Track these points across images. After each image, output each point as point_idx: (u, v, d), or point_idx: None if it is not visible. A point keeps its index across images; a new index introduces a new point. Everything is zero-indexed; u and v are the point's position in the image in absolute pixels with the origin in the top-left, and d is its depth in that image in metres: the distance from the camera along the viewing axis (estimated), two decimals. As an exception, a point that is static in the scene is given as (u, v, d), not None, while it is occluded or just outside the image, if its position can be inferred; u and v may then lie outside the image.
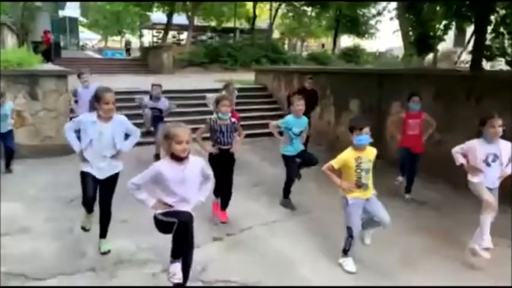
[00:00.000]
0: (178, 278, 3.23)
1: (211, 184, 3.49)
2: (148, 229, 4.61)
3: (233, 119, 5.23)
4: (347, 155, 4.03)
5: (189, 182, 3.22)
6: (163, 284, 3.80)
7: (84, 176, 4.13)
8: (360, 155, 4.00)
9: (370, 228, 4.27)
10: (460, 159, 4.33)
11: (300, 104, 5.53)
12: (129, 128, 4.31)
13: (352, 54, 28.22)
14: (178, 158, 3.17)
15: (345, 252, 4.14)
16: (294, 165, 5.68)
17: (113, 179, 4.23)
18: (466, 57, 13.02)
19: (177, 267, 3.24)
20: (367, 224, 4.23)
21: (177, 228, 3.17)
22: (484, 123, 4.14)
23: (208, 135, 5.25)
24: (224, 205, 5.25)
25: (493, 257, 4.18)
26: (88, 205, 4.23)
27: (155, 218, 3.32)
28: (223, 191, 5.23)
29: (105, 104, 3.98)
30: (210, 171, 3.44)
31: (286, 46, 36.09)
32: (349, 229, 4.07)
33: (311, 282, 3.92)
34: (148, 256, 4.27)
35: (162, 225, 3.31)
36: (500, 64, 9.84)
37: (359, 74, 9.88)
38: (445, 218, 5.43)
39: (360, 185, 4.02)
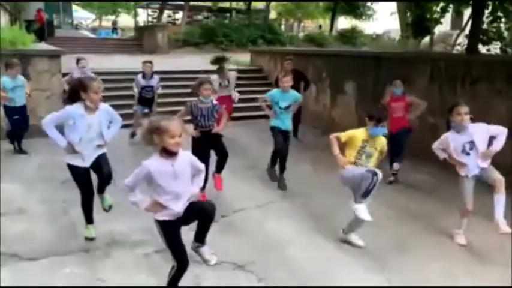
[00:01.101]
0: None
1: (203, 176, 3.41)
2: (140, 211, 4.66)
3: (215, 102, 5.19)
4: (357, 133, 4.10)
5: (180, 176, 3.08)
6: (156, 263, 3.85)
7: (75, 171, 4.08)
8: (368, 139, 4.06)
9: (356, 228, 4.26)
10: (442, 155, 4.35)
11: (284, 81, 5.61)
12: (114, 116, 4.26)
13: (349, 35, 27.97)
14: (169, 153, 3.01)
15: (351, 228, 4.24)
16: (281, 138, 5.74)
17: (102, 156, 4.20)
18: (462, 40, 12.98)
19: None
20: (350, 226, 4.25)
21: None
22: (450, 112, 4.14)
23: (189, 118, 5.19)
24: (220, 167, 5.30)
25: (485, 238, 4.25)
26: (89, 203, 4.18)
27: (159, 222, 3.13)
28: (219, 155, 5.28)
29: (94, 94, 3.90)
30: (200, 164, 3.30)
31: (283, 27, 35.71)
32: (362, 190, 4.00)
33: (302, 262, 3.97)
34: (141, 237, 4.29)
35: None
36: (496, 48, 9.81)
37: (355, 57, 9.82)
38: (437, 201, 5.48)
39: (355, 164, 4.05)
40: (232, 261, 3.91)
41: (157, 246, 4.11)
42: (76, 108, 3.94)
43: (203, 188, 5.13)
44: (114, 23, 37.30)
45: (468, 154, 4.17)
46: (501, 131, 4.17)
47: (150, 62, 7.98)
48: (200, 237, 3.40)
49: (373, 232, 4.38)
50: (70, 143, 3.98)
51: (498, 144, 4.14)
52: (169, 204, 3.06)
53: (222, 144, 5.31)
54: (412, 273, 3.84)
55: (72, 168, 4.08)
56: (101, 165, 4.17)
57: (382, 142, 4.16)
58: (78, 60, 7.54)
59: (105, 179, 4.26)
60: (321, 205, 5.26)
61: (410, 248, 4.30)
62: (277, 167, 5.93)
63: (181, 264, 3.14)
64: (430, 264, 3.99)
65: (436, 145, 4.40)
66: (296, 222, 4.84)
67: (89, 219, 4.28)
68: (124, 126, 9.58)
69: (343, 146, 4.17)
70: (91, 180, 4.19)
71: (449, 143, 4.24)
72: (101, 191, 4.38)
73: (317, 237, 4.49)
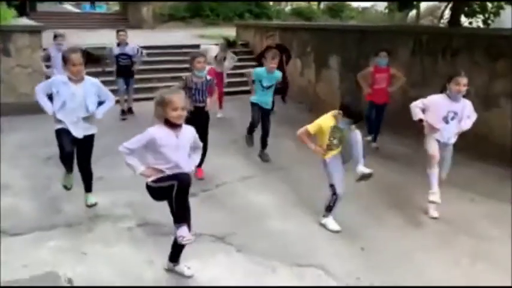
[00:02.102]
0: (188, 239, 3.15)
1: (200, 153, 3.48)
2: (124, 186, 4.76)
3: (209, 77, 5.23)
4: (324, 123, 4.03)
5: (183, 149, 3.17)
6: (138, 237, 3.94)
7: (60, 132, 4.15)
8: (336, 125, 4.01)
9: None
10: (419, 114, 4.35)
11: (272, 63, 5.66)
12: (103, 92, 4.31)
13: (337, 9, 27.71)
14: (172, 125, 3.08)
15: (329, 209, 4.19)
16: (257, 113, 5.90)
17: (89, 140, 4.28)
18: (449, 13, 12.97)
19: (185, 230, 3.12)
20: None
21: (178, 191, 3.06)
22: (450, 80, 4.21)
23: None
24: (200, 161, 5.33)
25: (458, 209, 4.41)
26: (67, 160, 4.24)
27: (149, 186, 3.18)
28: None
29: (73, 66, 3.98)
30: (200, 142, 3.38)
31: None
32: (332, 186, 4.12)
33: (282, 233, 4.09)
34: (123, 211, 4.38)
35: (158, 192, 3.18)
36: (478, 21, 9.84)
37: (339, 31, 9.78)
38: (416, 173, 5.58)
39: (330, 147, 4.08)
40: (212, 233, 4.01)
41: (139, 220, 4.22)
42: (61, 77, 4.09)
43: (200, 164, 5.20)
44: None
45: (447, 123, 4.28)
46: (474, 115, 4.37)
47: (124, 31, 8.01)
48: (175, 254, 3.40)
49: (350, 204, 4.49)
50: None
51: (468, 124, 4.33)
52: (169, 172, 3.11)
53: (206, 132, 5.26)
54: (387, 242, 3.98)
55: (58, 133, 4.15)
56: (84, 153, 4.29)
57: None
58: (55, 36, 7.40)
59: (84, 172, 4.38)
60: (303, 179, 5.36)
61: (385, 218, 4.43)
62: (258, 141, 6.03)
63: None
64: (404, 234, 4.14)
65: (417, 103, 4.39)
66: (277, 195, 4.95)
67: (69, 169, 4.31)
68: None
69: (314, 137, 4.16)
70: (72, 147, 4.17)
71: (436, 105, 4.29)
72: (88, 189, 4.48)
73: (298, 209, 4.61)
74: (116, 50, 7.85)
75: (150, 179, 3.16)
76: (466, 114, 4.31)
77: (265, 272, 3.51)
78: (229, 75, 8.55)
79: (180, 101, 3.03)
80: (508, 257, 3.69)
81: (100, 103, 4.31)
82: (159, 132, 3.08)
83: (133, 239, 3.92)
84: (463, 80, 4.15)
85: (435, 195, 4.31)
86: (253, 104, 5.93)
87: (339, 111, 3.96)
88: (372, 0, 17.73)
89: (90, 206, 4.46)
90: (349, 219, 4.32)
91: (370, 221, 4.36)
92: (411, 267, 3.61)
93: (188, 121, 5.00)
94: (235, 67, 9.57)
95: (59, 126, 4.15)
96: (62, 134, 4.14)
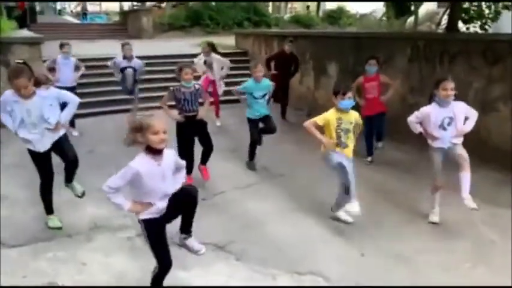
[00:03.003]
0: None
1: (184, 172, 3.41)
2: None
3: (197, 86, 5.25)
4: (329, 115, 4.23)
5: (167, 176, 3.05)
6: (138, 247, 3.94)
7: (32, 154, 4.13)
8: (341, 116, 4.20)
9: (344, 204, 4.37)
10: (418, 128, 4.40)
11: (257, 71, 5.70)
12: (63, 97, 4.20)
13: (336, 16, 27.87)
14: (154, 151, 2.91)
15: (338, 205, 4.40)
16: (255, 130, 5.90)
17: (61, 140, 4.22)
18: (446, 19, 13.04)
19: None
20: (338, 204, 4.42)
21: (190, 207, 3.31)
22: (437, 86, 4.21)
23: (174, 103, 5.26)
24: (205, 159, 5.38)
25: (458, 214, 4.40)
26: (48, 189, 4.23)
27: (144, 221, 3.05)
28: (204, 147, 5.35)
29: (18, 91, 3.81)
30: (182, 161, 3.30)
31: (270, 8, 35.40)
32: (344, 186, 4.23)
33: (282, 240, 4.09)
34: (123, 222, 4.37)
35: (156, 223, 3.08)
36: (476, 27, 9.88)
37: (337, 38, 9.83)
38: (414, 179, 5.59)
39: (339, 143, 4.19)
40: (212, 242, 4.01)
41: (139, 230, 4.20)
42: (10, 95, 3.93)
43: (189, 172, 5.23)
44: (84, 8, 36.48)
45: (445, 129, 4.27)
46: (474, 114, 4.32)
47: (129, 44, 7.99)
48: (187, 226, 3.47)
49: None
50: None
51: (470, 125, 4.30)
52: (155, 202, 3.02)
53: (207, 135, 5.35)
54: (387, 247, 3.98)
55: (29, 152, 4.14)
56: (64, 150, 4.24)
57: (355, 115, 4.30)
58: (61, 45, 7.48)
59: (71, 163, 4.32)
60: (302, 185, 5.37)
61: (385, 223, 4.43)
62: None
63: (164, 265, 3.08)
64: (404, 240, 4.13)
65: (412, 118, 4.42)
66: (277, 202, 4.95)
67: (49, 209, 4.32)
68: (110, 112, 9.55)
69: (321, 130, 4.28)
70: (50, 166, 4.20)
71: (429, 115, 4.30)
72: (69, 179, 4.44)
73: (297, 216, 4.60)
74: (123, 63, 7.84)
75: (142, 215, 3.03)
76: (464, 116, 4.29)
77: (265, 279, 3.51)
78: (226, 84, 8.55)
79: (160, 123, 2.85)
80: (508, 261, 3.67)
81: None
82: (141, 165, 2.89)
83: (132, 249, 3.92)
84: (450, 84, 4.13)
85: (435, 215, 4.45)
86: (250, 121, 5.92)
87: (335, 97, 4.17)
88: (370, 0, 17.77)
89: (81, 196, 4.48)
90: (349, 225, 4.35)
91: (369, 227, 4.36)
92: (411, 272, 3.60)
93: (182, 131, 5.07)
94: (234, 75, 9.62)
95: (28, 146, 4.10)
96: (36, 158, 4.12)
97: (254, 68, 5.77)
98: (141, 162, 2.90)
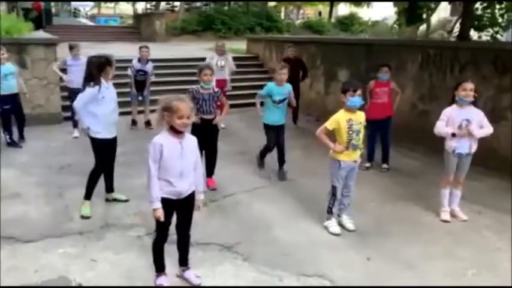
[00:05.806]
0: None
1: (201, 174, 3.50)
2: (134, 195, 4.86)
3: (216, 89, 5.32)
4: (339, 116, 4.22)
5: (187, 156, 3.18)
6: (147, 245, 4.00)
7: (102, 142, 4.59)
8: (351, 117, 4.19)
9: (343, 212, 4.48)
10: (449, 130, 4.42)
11: (281, 73, 5.58)
12: None
13: (347, 22, 27.92)
14: (176, 132, 3.12)
15: (330, 211, 4.39)
16: (273, 136, 5.78)
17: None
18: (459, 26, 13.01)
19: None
20: (339, 209, 4.48)
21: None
22: (457, 87, 4.34)
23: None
24: (210, 172, 5.41)
25: (466, 222, 4.45)
26: (98, 177, 4.66)
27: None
28: (208, 159, 5.37)
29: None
30: (198, 157, 3.43)
31: (282, 14, 35.54)
32: (334, 188, 4.32)
33: (289, 243, 4.14)
34: (133, 221, 4.46)
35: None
36: (488, 35, 9.86)
37: (348, 44, 9.89)
38: (422, 185, 5.61)
39: (349, 146, 4.20)
40: (219, 242, 4.08)
41: (148, 229, 4.29)
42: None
43: (211, 174, 5.39)
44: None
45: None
46: (489, 127, 4.41)
47: (147, 47, 8.12)
48: (184, 260, 3.53)
49: (356, 214, 4.55)
50: None
51: (483, 132, 4.39)
52: (173, 182, 3.15)
53: (215, 140, 5.37)
54: (393, 252, 4.01)
55: (99, 141, 4.59)
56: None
57: (362, 115, 4.31)
58: (71, 47, 7.60)
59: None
60: (310, 190, 5.40)
61: (392, 229, 4.46)
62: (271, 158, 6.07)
63: (161, 235, 3.38)
64: (410, 245, 4.15)
65: (440, 123, 4.46)
66: (285, 205, 5.00)
67: (89, 195, 4.59)
68: (122, 113, 9.71)
69: (332, 134, 4.29)
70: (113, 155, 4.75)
71: (450, 115, 4.43)
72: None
73: (304, 220, 4.64)
74: (137, 66, 7.99)
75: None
76: (479, 123, 4.38)
77: (271, 281, 3.55)
78: (237, 88, 8.60)
79: (186, 109, 3.07)
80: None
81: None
82: (164, 141, 3.10)
83: (142, 247, 3.98)
84: (470, 85, 4.28)
85: (446, 213, 4.58)
86: (267, 127, 5.79)
87: (343, 95, 4.20)
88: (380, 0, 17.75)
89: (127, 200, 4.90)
90: (355, 230, 4.37)
91: (375, 231, 4.39)
92: (416, 277, 3.63)
93: (195, 133, 5.11)
94: (243, 79, 9.70)
95: (98, 136, 4.55)
96: (104, 144, 4.61)
97: (280, 69, 5.62)
98: (164, 138, 3.12)
